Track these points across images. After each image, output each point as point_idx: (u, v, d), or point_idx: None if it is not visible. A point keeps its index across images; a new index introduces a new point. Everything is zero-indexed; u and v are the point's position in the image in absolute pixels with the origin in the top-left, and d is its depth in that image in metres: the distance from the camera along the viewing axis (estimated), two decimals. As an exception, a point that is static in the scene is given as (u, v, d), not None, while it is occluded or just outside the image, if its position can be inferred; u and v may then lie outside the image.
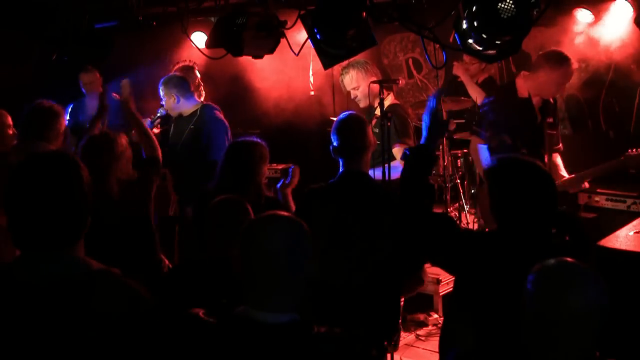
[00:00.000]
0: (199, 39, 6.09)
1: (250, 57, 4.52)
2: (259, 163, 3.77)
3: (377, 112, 4.56)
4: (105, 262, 3.60)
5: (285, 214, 1.92)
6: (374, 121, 4.75)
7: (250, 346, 1.79)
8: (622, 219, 3.98)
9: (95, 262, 1.86)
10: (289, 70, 6.17)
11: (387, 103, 4.69)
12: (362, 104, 4.94)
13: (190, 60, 5.83)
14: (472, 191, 6.26)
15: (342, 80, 4.96)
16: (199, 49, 5.05)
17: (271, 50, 4.38)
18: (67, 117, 5.46)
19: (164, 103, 5.25)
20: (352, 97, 4.99)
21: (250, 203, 3.03)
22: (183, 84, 5.18)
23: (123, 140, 3.73)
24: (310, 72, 6.40)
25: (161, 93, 5.21)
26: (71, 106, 6.10)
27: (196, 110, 5.16)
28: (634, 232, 3.44)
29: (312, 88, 6.81)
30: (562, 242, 2.61)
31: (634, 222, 3.69)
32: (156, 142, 4.20)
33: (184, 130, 5.17)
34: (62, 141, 4.43)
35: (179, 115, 5.24)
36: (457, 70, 6.17)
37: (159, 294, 2.76)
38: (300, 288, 1.86)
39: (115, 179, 3.63)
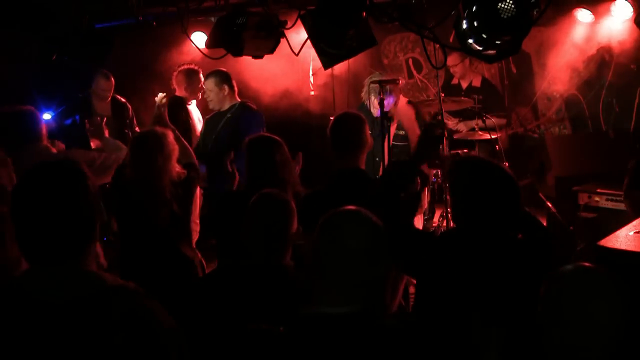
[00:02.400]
0: (199, 39, 6.09)
1: (250, 57, 4.53)
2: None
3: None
4: (152, 259, 3.65)
5: (365, 210, 1.89)
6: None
7: (328, 340, 1.74)
8: (622, 219, 3.96)
9: (110, 276, 1.79)
10: (289, 70, 6.17)
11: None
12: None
13: (194, 64, 5.83)
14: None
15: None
16: (199, 49, 5.05)
17: (271, 50, 4.38)
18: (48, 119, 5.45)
19: (206, 96, 5.37)
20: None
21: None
22: (231, 79, 5.38)
23: (171, 137, 3.70)
24: (310, 72, 6.40)
25: (209, 85, 5.30)
26: (62, 108, 5.94)
27: (232, 106, 5.34)
28: (634, 232, 3.43)
29: (312, 88, 6.82)
30: (525, 241, 2.58)
31: (634, 222, 3.67)
32: (190, 149, 4.25)
33: (218, 123, 5.31)
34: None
35: (217, 111, 5.40)
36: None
37: (192, 299, 2.68)
38: (376, 283, 1.83)
39: (168, 178, 3.62)
